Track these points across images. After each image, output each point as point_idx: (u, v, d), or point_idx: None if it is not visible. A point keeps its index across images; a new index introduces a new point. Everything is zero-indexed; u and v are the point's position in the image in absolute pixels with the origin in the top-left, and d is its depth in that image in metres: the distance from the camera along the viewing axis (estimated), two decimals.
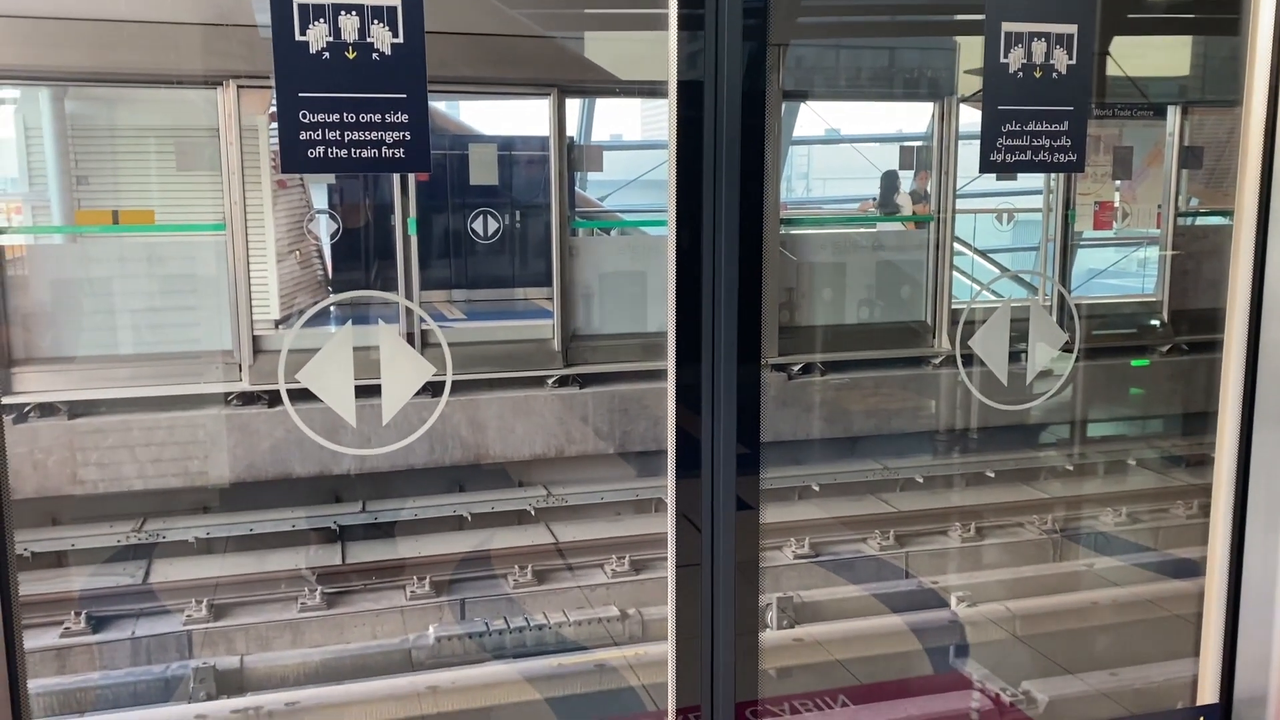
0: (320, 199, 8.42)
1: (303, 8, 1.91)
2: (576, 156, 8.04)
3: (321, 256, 8.49)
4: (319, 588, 5.96)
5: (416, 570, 6.20)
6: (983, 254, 9.48)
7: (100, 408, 6.66)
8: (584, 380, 7.57)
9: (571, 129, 8.75)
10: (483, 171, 8.08)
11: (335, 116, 1.96)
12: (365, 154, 1.98)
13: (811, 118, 10.74)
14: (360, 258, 8.45)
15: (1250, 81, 2.67)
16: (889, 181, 10.07)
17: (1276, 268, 2.69)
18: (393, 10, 1.95)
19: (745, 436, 2.45)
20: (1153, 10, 8.73)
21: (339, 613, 5.90)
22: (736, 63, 2.27)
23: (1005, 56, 2.42)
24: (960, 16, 8.86)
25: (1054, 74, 2.46)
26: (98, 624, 5.66)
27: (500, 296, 9.01)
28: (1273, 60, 2.63)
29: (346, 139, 1.97)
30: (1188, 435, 7.02)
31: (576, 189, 8.99)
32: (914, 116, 10.04)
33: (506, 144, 8.99)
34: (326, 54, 1.92)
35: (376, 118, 1.98)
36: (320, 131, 1.95)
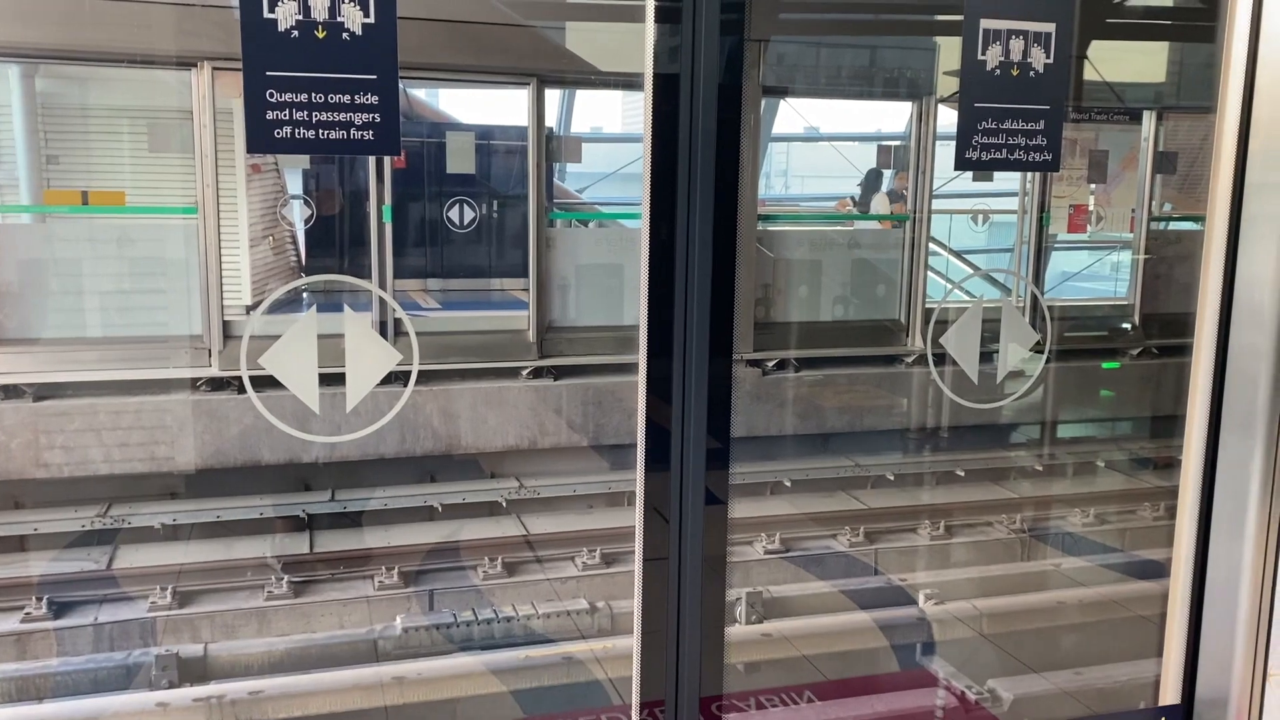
0: (295, 184, 8.34)
1: None
2: (555, 147, 8.00)
3: (295, 242, 8.40)
4: (285, 576, 5.91)
5: (385, 560, 6.16)
6: (957, 254, 9.53)
7: (66, 390, 6.56)
8: (558, 372, 7.54)
9: (551, 120, 8.71)
10: (460, 160, 8.02)
11: (304, 96, 1.92)
12: (334, 135, 1.95)
13: (791, 115, 10.75)
14: (334, 244, 8.37)
15: (1224, 89, 2.68)
16: (871, 180, 10.10)
17: (1247, 274, 2.71)
18: None
19: (716, 431, 2.44)
20: (1130, 16, 8.79)
21: (306, 602, 5.85)
22: (714, 57, 2.25)
23: (983, 54, 2.42)
24: (941, 17, 8.89)
25: (1031, 72, 2.46)
26: (59, 609, 5.59)
27: (475, 286, 8.95)
28: (1247, 68, 2.64)
29: (315, 120, 1.94)
30: (1155, 438, 7.09)
31: (555, 180, 8.95)
32: (893, 116, 10.07)
33: (485, 133, 8.93)
34: (295, 33, 1.89)
35: (346, 99, 1.95)
36: (288, 112, 1.92)
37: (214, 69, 6.44)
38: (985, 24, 2.40)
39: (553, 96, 8.25)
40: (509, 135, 8.76)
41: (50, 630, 5.41)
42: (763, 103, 8.87)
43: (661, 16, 2.26)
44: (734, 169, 2.33)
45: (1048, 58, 2.46)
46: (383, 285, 7.12)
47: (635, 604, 2.45)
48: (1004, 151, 2.50)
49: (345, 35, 1.92)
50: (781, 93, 9.18)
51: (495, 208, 8.86)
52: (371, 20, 1.93)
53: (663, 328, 2.39)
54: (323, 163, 8.08)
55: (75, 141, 7.28)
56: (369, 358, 2.26)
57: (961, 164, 2.46)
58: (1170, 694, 2.83)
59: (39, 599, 5.54)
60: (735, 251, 2.39)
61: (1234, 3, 2.62)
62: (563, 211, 8.89)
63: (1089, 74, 8.50)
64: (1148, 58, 9.31)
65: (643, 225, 2.31)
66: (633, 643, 2.47)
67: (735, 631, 5.37)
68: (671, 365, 2.40)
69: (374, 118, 1.97)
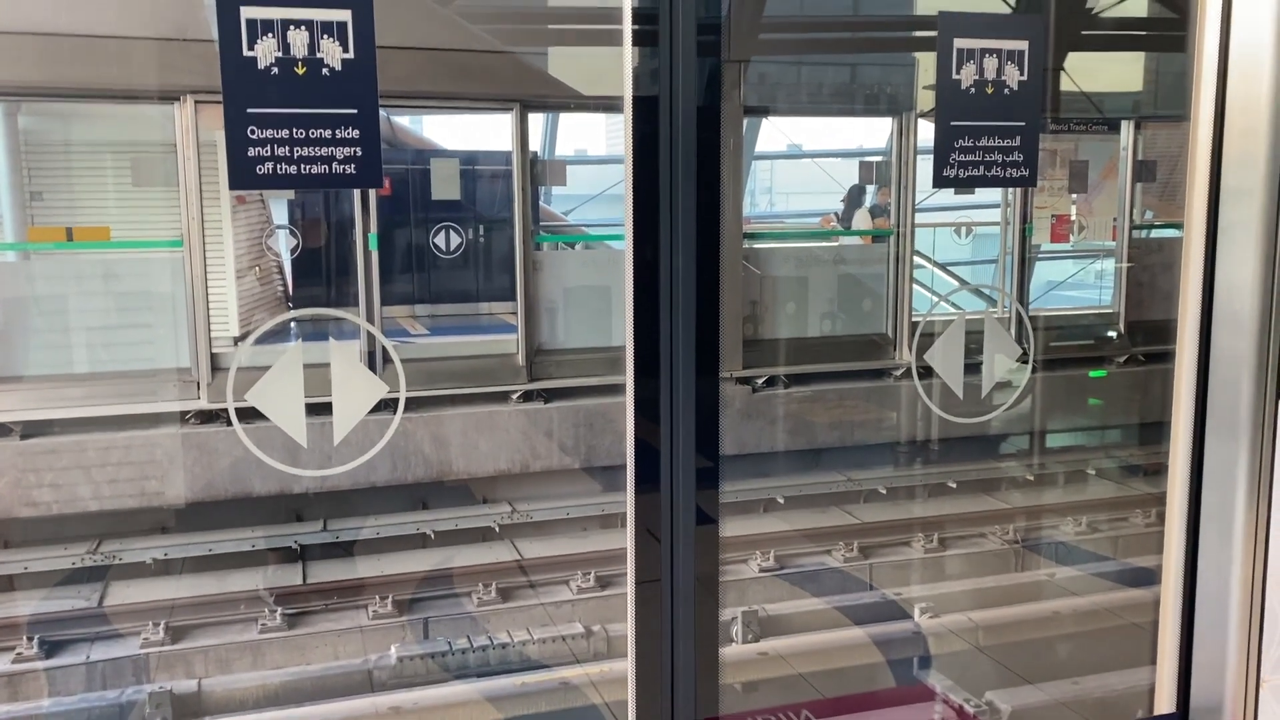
0: (280, 214, 8.35)
1: (250, 22, 1.89)
2: (540, 171, 8.03)
3: (282, 272, 8.40)
4: (279, 609, 5.88)
5: (379, 589, 6.13)
6: (942, 267, 9.58)
7: (54, 428, 6.53)
8: (548, 395, 7.54)
9: (536, 144, 8.75)
10: (445, 186, 8.04)
11: (284, 132, 1.93)
12: (315, 170, 1.96)
13: (774, 133, 10.82)
14: (321, 273, 8.38)
15: (1197, 97, 2.71)
16: (854, 196, 10.15)
17: (1225, 279, 2.73)
18: (343, 25, 1.93)
19: (705, 450, 2.45)
20: (1106, 27, 8.89)
21: (300, 633, 5.82)
22: (691, 78, 2.28)
23: (957, 72, 2.45)
24: (918, 33, 8.97)
25: (1005, 89, 2.49)
26: (51, 649, 5.54)
27: (464, 311, 8.96)
28: (1218, 76, 2.68)
29: (296, 155, 1.95)
30: (1144, 444, 7.12)
31: (541, 203, 8.98)
32: (874, 132, 10.14)
33: (469, 158, 8.97)
34: (275, 69, 1.90)
35: (327, 133, 1.96)
36: (269, 147, 1.93)
37: (197, 102, 6.45)
38: (959, 43, 2.43)
39: (537, 120, 8.29)
40: (493, 160, 8.80)
41: (42, 670, 5.37)
42: (745, 122, 8.93)
43: (639, 40, 2.29)
44: (715, 189, 2.35)
45: (1021, 75, 2.49)
46: (370, 313, 7.12)
47: (629, 626, 2.45)
48: (981, 168, 2.53)
49: (325, 70, 1.93)
50: (763, 112, 9.24)
51: (481, 232, 8.89)
52: (351, 55, 1.94)
53: (649, 348, 2.40)
54: (308, 192, 8.10)
55: (59, 178, 7.28)
56: (355, 389, 2.26)
57: (940, 181, 2.49)
58: (1165, 702, 2.83)
59: (30, 639, 5.50)
60: (719, 270, 2.40)
61: (1203, 13, 2.66)
62: (549, 235, 8.92)
63: (1067, 85, 8.58)
64: (1124, 68, 9.41)
65: (626, 247, 2.33)
66: (627, 666, 2.47)
67: (731, 651, 5.36)
68: (659, 385, 2.41)
69: (355, 151, 1.98)
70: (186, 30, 6.26)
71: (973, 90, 2.46)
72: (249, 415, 2.48)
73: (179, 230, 6.65)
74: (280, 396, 2.20)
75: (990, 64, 2.46)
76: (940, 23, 2.44)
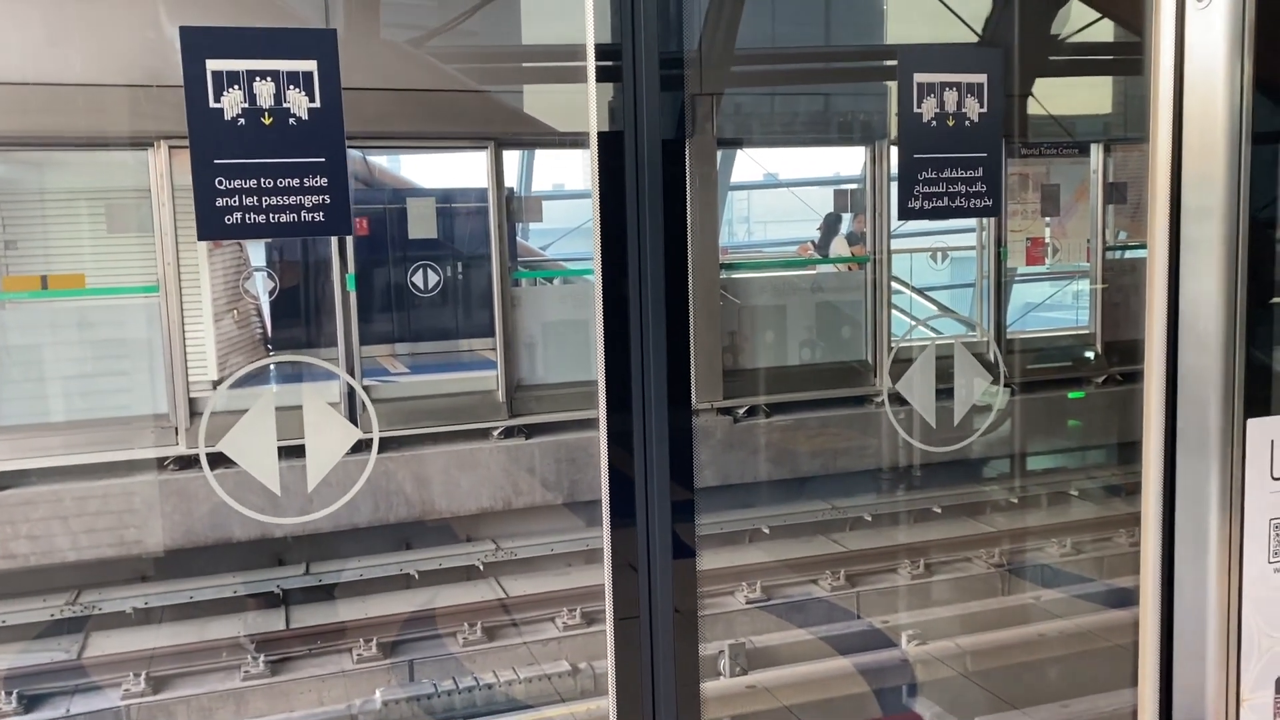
0: (258, 257, 8.34)
1: (216, 74, 1.91)
2: (516, 207, 8.06)
3: (260, 314, 8.39)
4: (261, 655, 5.81)
5: (363, 632, 6.07)
6: (920, 292, 9.65)
7: (31, 478, 6.47)
8: (530, 430, 7.53)
9: (512, 180, 8.80)
10: (421, 225, 8.07)
11: (252, 182, 1.94)
12: (284, 218, 1.97)
13: (749, 164, 10.92)
14: (299, 315, 8.37)
15: (1155, 117, 2.75)
16: (830, 224, 10.24)
17: (1190, 296, 2.76)
18: (309, 75, 1.95)
19: (679, 482, 2.45)
20: (1071, 53, 9.04)
21: (284, 680, 5.75)
22: (655, 113, 2.30)
23: (918, 106, 2.49)
24: (889, 63, 9.09)
25: (967, 121, 2.53)
26: (30, 703, 5.46)
27: (443, 349, 8.95)
28: (1174, 97, 2.72)
29: (264, 204, 1.95)
30: (1123, 464, 7.16)
31: (519, 238, 9.01)
32: (849, 160, 10.24)
33: (445, 196, 9.00)
34: (242, 120, 1.92)
35: (295, 182, 1.97)
36: (237, 198, 1.94)
37: (170, 147, 6.46)
38: (919, 78, 2.47)
39: (512, 157, 8.35)
40: (469, 197, 8.84)
41: None
42: (719, 154, 9.00)
43: (602, 75, 2.31)
44: (682, 222, 2.37)
45: (982, 107, 2.53)
46: (349, 353, 7.10)
47: (609, 664, 2.43)
48: (945, 199, 2.56)
49: (292, 120, 1.95)
50: (736, 143, 9.33)
51: (459, 270, 8.91)
52: (318, 105, 1.96)
53: (620, 381, 2.40)
54: None
55: (34, 226, 7.26)
56: (328, 436, 2.26)
57: (905, 213, 2.52)
58: None
59: (8, 693, 5.41)
60: (689, 302, 2.42)
61: (1158, 35, 2.71)
62: (527, 270, 8.94)
63: (1036, 110, 8.71)
64: (1092, 92, 9.56)
65: (595, 281, 2.34)
66: (608, 703, 2.45)
67: (719, 685, 5.33)
68: (631, 418, 2.41)
69: (324, 199, 1.99)
70: (160, 77, 6.28)
71: (934, 123, 2.50)
72: (227, 461, 2.47)
73: (155, 275, 6.64)
74: (252, 443, 2.19)
75: (950, 97, 2.50)
76: (900, 58, 2.48)
